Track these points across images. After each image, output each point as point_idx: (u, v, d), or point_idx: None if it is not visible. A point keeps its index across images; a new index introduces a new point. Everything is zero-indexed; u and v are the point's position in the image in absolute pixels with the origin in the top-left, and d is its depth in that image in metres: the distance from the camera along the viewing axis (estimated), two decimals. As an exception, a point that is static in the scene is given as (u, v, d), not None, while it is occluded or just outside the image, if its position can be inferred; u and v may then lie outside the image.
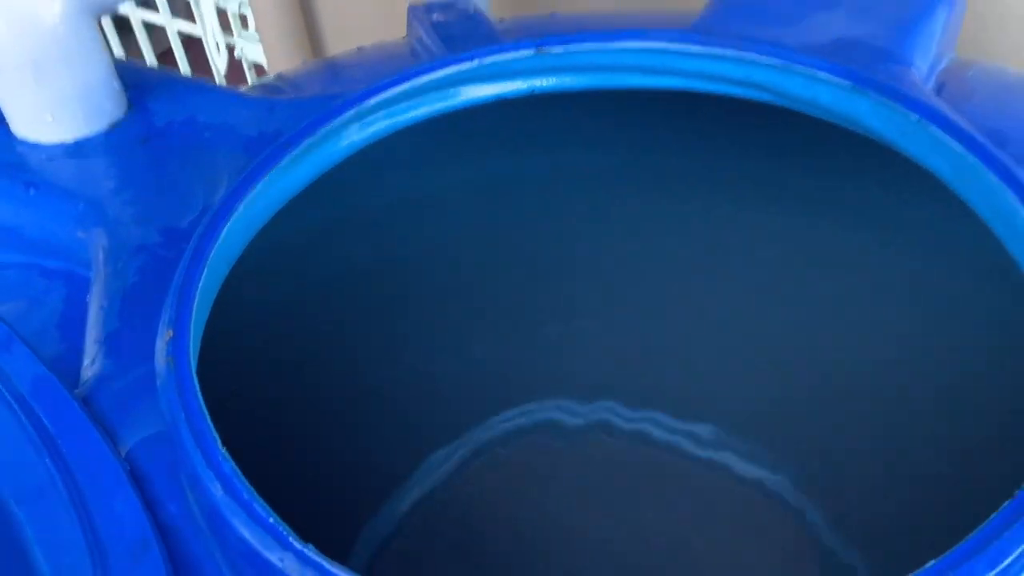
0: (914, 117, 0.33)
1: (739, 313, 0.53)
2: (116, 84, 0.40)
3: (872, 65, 0.38)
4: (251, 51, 0.94)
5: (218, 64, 0.96)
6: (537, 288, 0.57)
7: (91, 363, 0.31)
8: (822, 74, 0.36)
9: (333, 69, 0.48)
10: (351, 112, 0.36)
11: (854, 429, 0.50)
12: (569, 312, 0.58)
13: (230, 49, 0.96)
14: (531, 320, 0.58)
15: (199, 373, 0.27)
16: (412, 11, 0.49)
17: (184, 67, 1.04)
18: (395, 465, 0.57)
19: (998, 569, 0.20)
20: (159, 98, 0.41)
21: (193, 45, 1.03)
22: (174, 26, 1.00)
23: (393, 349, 0.54)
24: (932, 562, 0.20)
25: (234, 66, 0.98)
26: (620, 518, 0.55)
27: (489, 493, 0.58)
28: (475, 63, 0.38)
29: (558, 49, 0.38)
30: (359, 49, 0.50)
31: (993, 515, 0.20)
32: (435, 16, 0.47)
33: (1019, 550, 0.20)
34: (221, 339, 0.33)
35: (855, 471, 0.51)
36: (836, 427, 0.51)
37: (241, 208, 0.31)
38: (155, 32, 1.04)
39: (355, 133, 0.37)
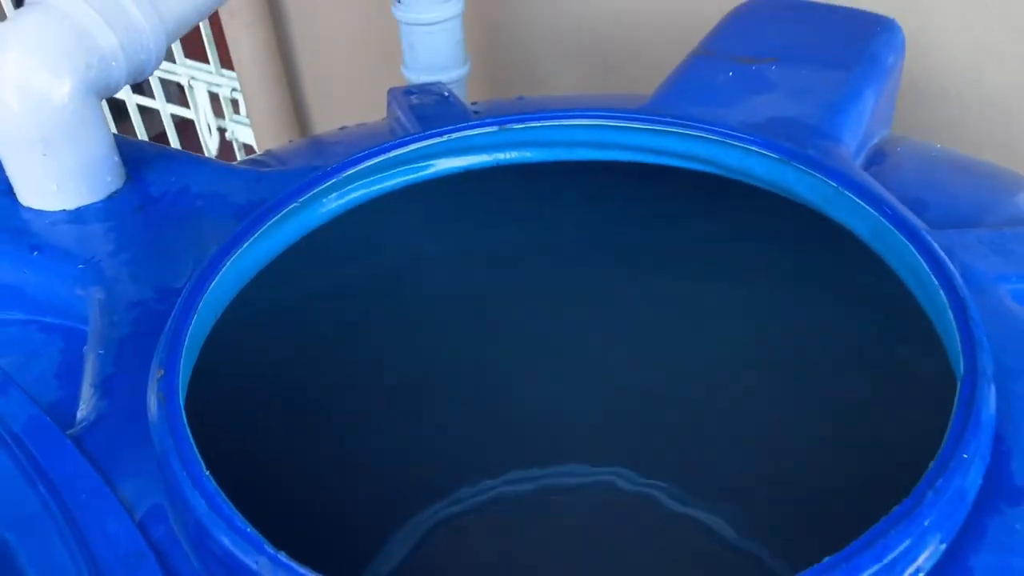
0: (833, 184, 0.37)
1: (696, 373, 0.56)
2: (116, 158, 0.44)
3: (804, 142, 0.42)
4: (241, 133, 0.99)
5: (209, 145, 1.01)
6: (508, 358, 0.60)
7: (86, 405, 0.34)
8: (755, 148, 0.40)
9: (317, 146, 0.52)
10: (331, 181, 0.40)
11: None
12: (531, 380, 0.61)
13: (221, 131, 1.01)
14: (498, 388, 0.60)
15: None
16: (392, 94, 0.53)
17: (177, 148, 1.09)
18: (372, 529, 0.59)
19: (883, 563, 0.22)
20: (155, 170, 0.45)
21: (186, 127, 1.08)
22: (168, 110, 1.05)
23: (367, 411, 0.57)
24: (827, 558, 0.23)
25: (225, 147, 1.03)
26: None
27: (471, 554, 0.60)
28: (444, 138, 0.42)
29: (519, 126, 0.42)
30: (342, 128, 0.54)
31: (882, 519, 0.23)
32: (413, 99, 0.52)
33: (900, 547, 0.23)
34: (211, 404, 0.35)
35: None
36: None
37: (229, 263, 0.35)
38: (149, 115, 1.09)
39: (334, 200, 0.41)
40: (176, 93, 1.08)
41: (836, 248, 0.41)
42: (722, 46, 0.52)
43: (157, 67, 0.45)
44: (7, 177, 0.43)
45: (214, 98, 0.98)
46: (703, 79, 0.48)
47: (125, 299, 0.37)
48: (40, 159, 0.41)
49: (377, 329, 0.55)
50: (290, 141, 0.56)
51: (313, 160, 0.47)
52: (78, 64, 0.40)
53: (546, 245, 0.55)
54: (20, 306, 0.40)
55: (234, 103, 0.97)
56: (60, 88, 0.40)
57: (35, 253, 0.40)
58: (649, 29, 0.73)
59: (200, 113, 0.98)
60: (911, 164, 0.48)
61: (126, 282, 0.38)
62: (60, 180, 0.41)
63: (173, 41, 0.45)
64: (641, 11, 0.73)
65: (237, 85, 0.93)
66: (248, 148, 1.00)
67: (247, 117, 0.94)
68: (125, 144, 0.46)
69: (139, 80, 0.45)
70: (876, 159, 0.48)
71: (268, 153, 0.51)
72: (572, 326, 0.57)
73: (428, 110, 0.50)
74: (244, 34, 0.84)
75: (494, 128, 0.42)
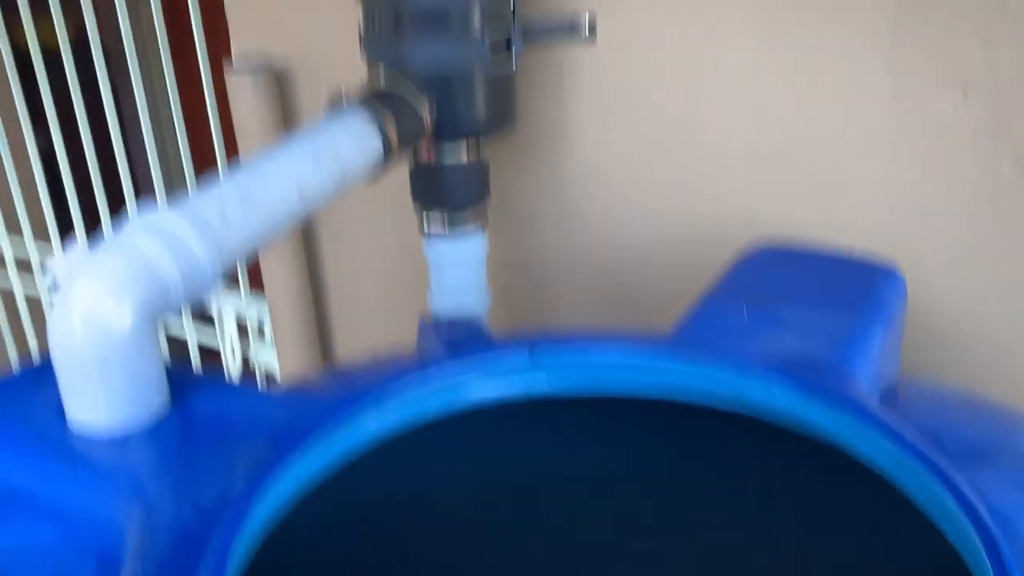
0: (857, 420, 0.39)
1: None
2: (164, 381, 0.46)
3: (820, 376, 0.44)
4: (265, 359, 1.02)
5: (232, 371, 1.03)
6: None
7: (122, 627, 0.34)
8: (776, 380, 0.42)
9: (352, 373, 0.54)
10: (368, 405, 0.41)
11: None
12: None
13: (245, 357, 1.04)
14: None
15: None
16: (422, 327, 0.56)
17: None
18: None
19: None
20: (199, 394, 0.47)
21: (208, 351, 1.11)
22: (194, 335, 1.09)
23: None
24: None
25: (247, 373, 1.05)
26: None
27: None
28: (478, 363, 0.44)
29: (550, 352, 0.45)
30: (374, 356, 0.57)
31: None
32: (443, 331, 0.55)
33: None
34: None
35: None
36: None
37: (269, 483, 0.36)
38: (172, 340, 1.13)
39: (372, 424, 0.42)
40: (197, 317, 1.12)
41: (851, 480, 0.42)
42: (733, 289, 0.55)
43: (211, 292, 0.48)
44: (58, 396, 0.44)
45: (240, 324, 1.02)
46: (717, 320, 0.51)
47: (166, 517, 0.38)
48: (95, 381, 0.43)
49: (397, 547, 0.55)
50: (325, 368, 0.58)
51: (349, 386, 0.49)
52: (140, 293, 0.43)
53: (569, 474, 0.56)
54: (57, 521, 0.41)
55: (259, 329, 1.01)
56: (122, 315, 0.43)
57: (79, 471, 0.41)
58: (661, 270, 0.78)
59: (226, 338, 1.01)
60: (923, 401, 0.50)
61: (167, 501, 0.39)
62: (110, 402, 0.43)
63: (227, 269, 0.49)
64: (653, 253, 0.78)
65: (264, 311, 0.97)
66: (270, 374, 1.02)
67: (272, 343, 0.98)
68: (171, 368, 0.48)
69: (193, 304, 0.48)
70: (888, 397, 0.50)
71: (304, 381, 0.54)
72: (591, 555, 0.57)
73: (456, 338, 0.53)
74: (278, 265, 0.89)
75: (525, 353, 0.45)
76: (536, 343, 0.44)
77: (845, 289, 0.55)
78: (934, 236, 0.66)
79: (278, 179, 0.51)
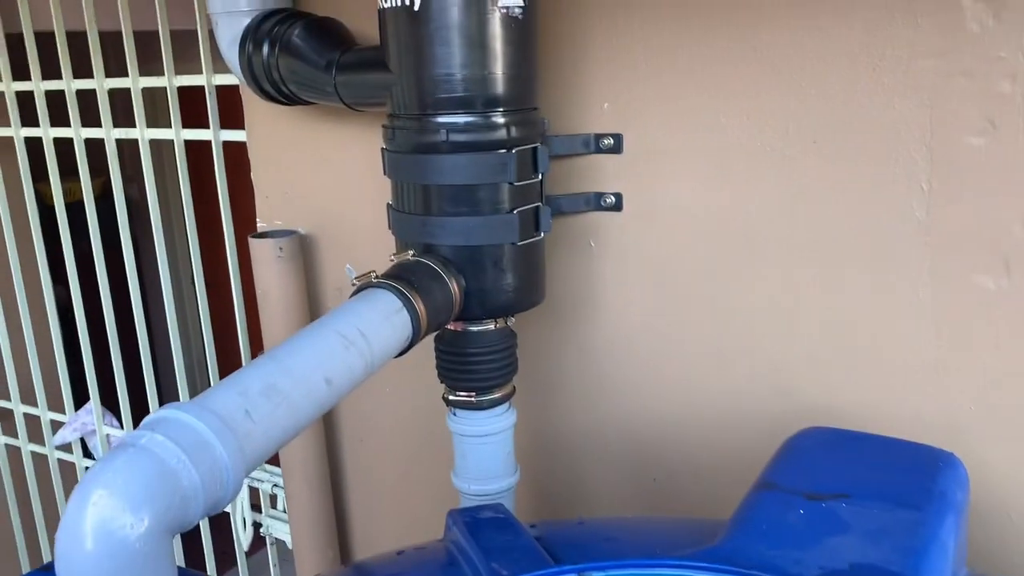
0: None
1: None
2: (177, 597, 0.42)
3: (893, 592, 0.41)
4: (276, 528, 0.97)
5: (243, 540, 0.99)
6: None
7: None
8: (850, 608, 0.38)
9: (377, 574, 0.50)
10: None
11: None
12: None
13: (256, 526, 0.99)
14: None
15: None
16: (451, 517, 0.52)
17: (207, 543, 1.07)
18: None
19: None
20: (213, 609, 0.43)
21: (218, 519, 1.06)
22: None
23: None
24: None
25: (257, 540, 1.00)
26: None
27: None
28: (521, 587, 0.40)
29: (599, 575, 0.41)
30: (400, 554, 0.53)
31: None
32: (473, 524, 0.51)
33: None
34: None
35: None
36: None
37: None
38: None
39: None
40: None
41: None
42: (786, 480, 0.52)
43: (231, 502, 0.45)
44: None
45: (253, 492, 0.98)
46: (775, 518, 0.48)
47: None
48: (103, 605, 0.39)
49: None
50: (354, 564, 0.54)
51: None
52: (159, 505, 0.40)
53: None
54: None
55: (272, 498, 0.97)
56: (138, 528, 0.39)
57: None
58: (695, 443, 0.74)
59: (238, 507, 0.97)
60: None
61: None
62: (118, 628, 0.39)
63: (248, 474, 0.46)
64: (685, 426, 0.74)
65: (278, 480, 0.94)
66: (281, 543, 0.97)
67: (285, 513, 0.93)
68: (183, 572, 0.45)
69: (213, 514, 0.44)
70: (963, 604, 0.46)
71: (325, 581, 0.50)
72: None
73: (490, 539, 0.49)
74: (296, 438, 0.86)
75: None
76: (586, 568, 0.41)
77: (906, 479, 0.51)
78: (983, 413, 0.63)
79: (305, 370, 0.49)
